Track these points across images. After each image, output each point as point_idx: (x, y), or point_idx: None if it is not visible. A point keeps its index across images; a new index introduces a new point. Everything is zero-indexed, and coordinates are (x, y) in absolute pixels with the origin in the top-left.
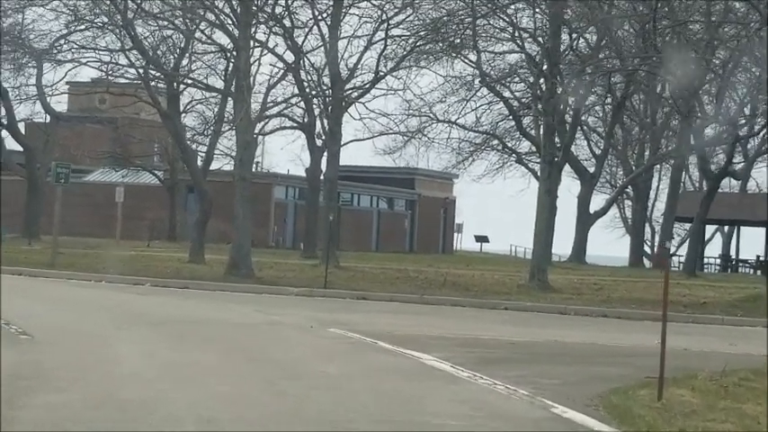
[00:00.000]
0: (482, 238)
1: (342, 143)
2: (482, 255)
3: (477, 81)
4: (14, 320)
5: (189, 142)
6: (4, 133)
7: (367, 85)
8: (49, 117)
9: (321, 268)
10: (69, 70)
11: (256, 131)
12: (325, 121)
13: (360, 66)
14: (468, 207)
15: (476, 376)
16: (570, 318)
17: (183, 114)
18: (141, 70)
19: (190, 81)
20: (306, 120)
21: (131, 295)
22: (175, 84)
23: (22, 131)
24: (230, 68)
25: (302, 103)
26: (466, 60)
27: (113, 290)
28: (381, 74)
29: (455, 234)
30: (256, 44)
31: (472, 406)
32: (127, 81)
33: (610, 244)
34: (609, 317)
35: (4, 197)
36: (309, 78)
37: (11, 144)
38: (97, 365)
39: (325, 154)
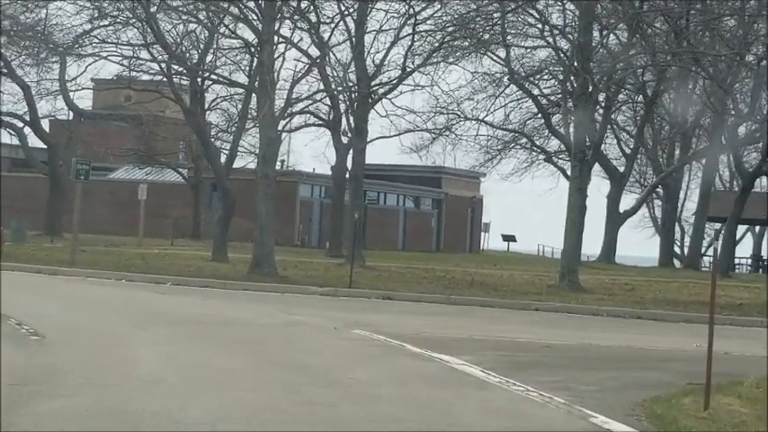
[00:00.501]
0: (509, 238)
1: (368, 140)
2: (509, 254)
3: (505, 78)
4: (27, 320)
5: (213, 139)
6: (27, 130)
7: (394, 81)
8: (71, 114)
9: (346, 267)
10: (90, 64)
11: (280, 128)
12: (351, 118)
13: (386, 62)
14: (496, 206)
15: (508, 382)
16: (603, 319)
17: (208, 111)
18: (164, 65)
19: (213, 76)
20: (331, 117)
21: (151, 294)
22: (199, 80)
23: (46, 128)
24: (254, 64)
25: (327, 99)
26: (494, 58)
27: (133, 288)
28: (408, 70)
29: (482, 233)
30: (281, 39)
31: (506, 415)
32: (149, 77)
33: (639, 244)
34: (643, 318)
35: (26, 195)
36: (335, 74)
37: (34, 141)
38: (109, 368)
39: (351, 151)
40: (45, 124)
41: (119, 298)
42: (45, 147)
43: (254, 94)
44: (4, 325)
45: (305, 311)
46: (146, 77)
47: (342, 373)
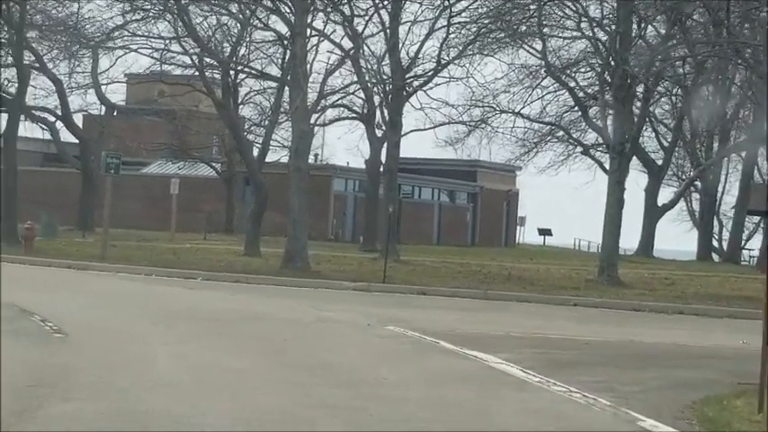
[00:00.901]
0: (545, 232)
1: (402, 133)
2: (545, 248)
3: (542, 70)
4: (52, 317)
5: (246, 133)
6: (59, 125)
7: (429, 74)
8: (103, 108)
9: (380, 262)
10: (119, 57)
11: (313, 122)
12: (386, 111)
13: (421, 55)
14: (531, 200)
15: (548, 382)
16: (644, 315)
17: (241, 105)
18: (195, 58)
19: (245, 69)
20: (365, 110)
21: (180, 289)
22: (231, 73)
23: (79, 123)
24: (287, 56)
25: (361, 93)
26: (531, 50)
27: (163, 284)
28: (444, 62)
29: (518, 227)
30: (314, 33)
31: (548, 418)
32: (181, 70)
33: (677, 237)
34: (685, 314)
35: (59, 189)
36: (369, 67)
37: (66, 136)
38: (128, 368)
39: (386, 145)
40: (78, 119)
41: (147, 294)
42: (77, 141)
43: (286, 87)
44: (29, 323)
45: (337, 307)
46: (177, 71)
47: (372, 372)
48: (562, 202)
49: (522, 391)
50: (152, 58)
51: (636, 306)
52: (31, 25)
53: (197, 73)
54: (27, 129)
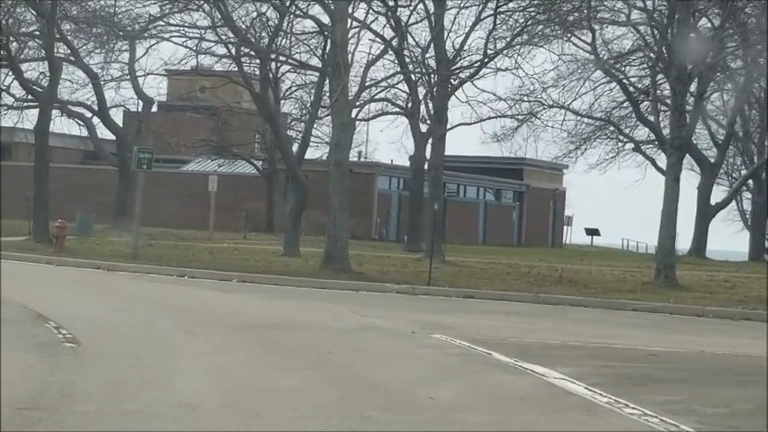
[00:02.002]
0: (593, 231)
1: (448, 127)
2: (593, 249)
3: (591, 64)
4: (68, 323)
5: (287, 130)
6: (96, 120)
7: (476, 65)
8: (141, 103)
9: (425, 263)
10: (152, 46)
11: (357, 116)
12: (430, 104)
13: (467, 47)
14: (578, 198)
15: (618, 402)
16: (709, 321)
17: (283, 101)
18: (232, 48)
19: (283, 59)
20: (409, 104)
21: (213, 293)
22: (270, 64)
23: (117, 120)
24: (327, 46)
25: (405, 86)
26: (579, 43)
27: (194, 286)
28: (491, 53)
29: (565, 227)
30: (355, 23)
31: None
32: (216, 59)
33: (726, 238)
34: (753, 320)
35: (97, 187)
36: (413, 58)
37: (104, 133)
38: (142, 386)
39: (430, 140)
40: (118, 117)
41: (175, 297)
42: (114, 138)
43: (327, 80)
44: (41, 330)
45: (379, 312)
46: (214, 62)
47: (419, 391)
48: (609, 201)
49: (590, 414)
50: (186, 47)
51: (698, 311)
52: (65, 17)
53: (234, 65)
54: (64, 125)
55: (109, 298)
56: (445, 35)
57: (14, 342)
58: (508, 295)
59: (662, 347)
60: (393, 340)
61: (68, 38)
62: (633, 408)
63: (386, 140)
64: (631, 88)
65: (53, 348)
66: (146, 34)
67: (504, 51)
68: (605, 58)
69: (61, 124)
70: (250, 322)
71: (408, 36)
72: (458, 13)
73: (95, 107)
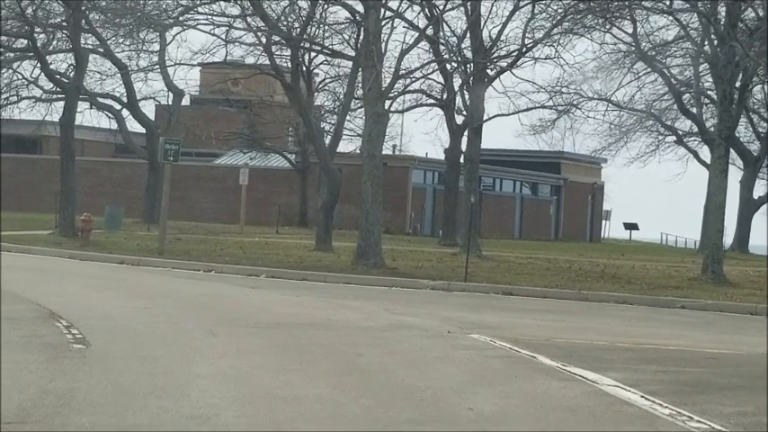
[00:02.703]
0: (631, 226)
1: (484, 119)
2: (632, 243)
3: (630, 56)
4: (80, 322)
5: (321, 123)
6: (125, 113)
7: (513, 54)
8: (171, 96)
9: (461, 258)
10: (179, 33)
11: (392, 110)
12: (467, 95)
13: (504, 38)
14: (615, 192)
15: (681, 414)
16: (762, 320)
17: (316, 93)
18: (262, 37)
19: (315, 47)
20: (444, 95)
21: (239, 289)
22: (301, 54)
23: (149, 114)
24: (361, 36)
25: (440, 77)
26: (619, 34)
27: (221, 281)
28: (529, 43)
29: (603, 221)
30: (388, 14)
31: None
32: (246, 50)
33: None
34: None
35: (129, 180)
36: (449, 47)
37: (135, 126)
38: (151, 394)
39: (466, 131)
40: (150, 110)
41: (200, 293)
42: (144, 131)
43: (360, 70)
44: (51, 329)
45: (413, 310)
46: (246, 54)
47: (458, 400)
48: (648, 195)
49: (651, 428)
50: (214, 35)
51: (751, 309)
52: (94, 8)
53: (265, 56)
54: (93, 117)
55: (129, 295)
56: (482, 22)
57: (17, 343)
58: (549, 292)
59: (718, 349)
60: (428, 341)
61: (97, 29)
62: (699, 421)
63: (421, 133)
64: (673, 80)
65: (58, 351)
66: (172, 21)
67: (544, 41)
68: (647, 48)
69: (90, 116)
70: (276, 321)
71: (444, 25)
72: (494, 1)
73: (124, 99)
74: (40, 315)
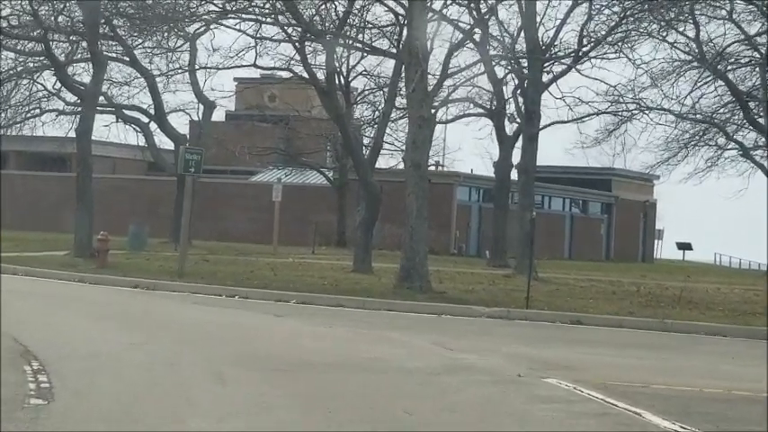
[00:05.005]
0: (685, 246)
1: (540, 126)
2: (686, 264)
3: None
4: (56, 364)
5: (358, 133)
6: (153, 126)
7: (571, 53)
8: (202, 108)
9: (515, 280)
10: (201, 33)
11: (437, 120)
12: (520, 100)
13: (559, 41)
14: (666, 210)
15: None
16: None
17: (354, 106)
18: (293, 31)
19: (352, 43)
20: (493, 104)
21: (265, 317)
22: (337, 57)
23: (182, 130)
24: (403, 34)
25: (488, 86)
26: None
27: (245, 309)
28: (589, 43)
29: (656, 241)
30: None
31: None
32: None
33: None
34: None
35: (157, 199)
36: (502, 45)
37: (163, 141)
38: None
39: (520, 139)
40: (181, 125)
41: (216, 324)
42: (172, 145)
43: (402, 72)
44: (15, 375)
45: (470, 344)
46: (275, 61)
47: None
48: (701, 213)
49: None
50: (241, 31)
51: None
52: (119, 14)
53: (298, 62)
54: (120, 131)
55: (130, 326)
56: (538, 21)
57: None
58: (625, 321)
59: None
60: (495, 389)
61: (122, 36)
62: None
63: (466, 148)
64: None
65: (9, 408)
66: (197, 18)
67: (607, 40)
68: (710, 53)
69: (117, 130)
70: (302, 360)
71: (494, 24)
72: (549, 2)
73: (151, 111)
74: (12, 354)
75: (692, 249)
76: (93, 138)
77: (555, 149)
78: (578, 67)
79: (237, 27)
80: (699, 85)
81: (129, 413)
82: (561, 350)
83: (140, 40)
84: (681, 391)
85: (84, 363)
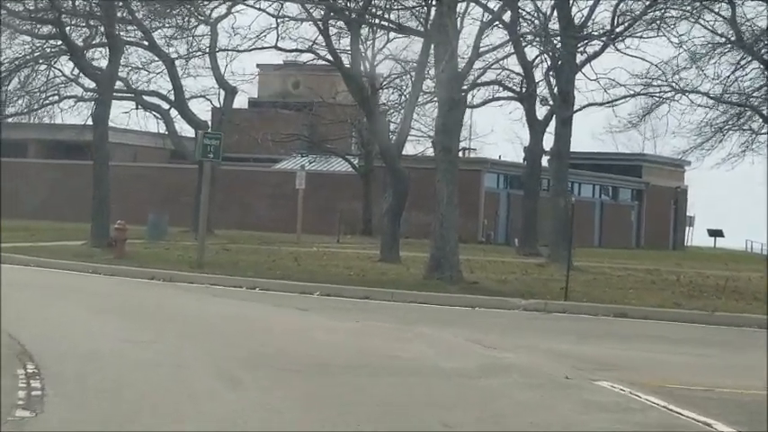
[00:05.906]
0: (716, 233)
1: (574, 109)
2: (718, 251)
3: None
4: (53, 366)
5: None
6: (174, 113)
7: (611, 32)
8: (223, 93)
9: (549, 269)
10: (222, 16)
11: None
12: (553, 81)
13: (592, 21)
14: (697, 197)
15: None
16: None
17: (380, 90)
18: (314, 9)
19: (376, 20)
20: (524, 87)
21: (286, 311)
22: (361, 35)
23: (205, 117)
24: (431, 14)
25: (518, 69)
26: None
27: (265, 302)
28: (625, 22)
29: (687, 228)
30: None
31: None
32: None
33: None
34: None
35: (180, 187)
36: (533, 27)
37: (185, 128)
38: None
39: (553, 122)
40: (202, 111)
41: (233, 318)
42: (192, 132)
43: (431, 51)
44: (6, 379)
45: (508, 341)
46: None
47: None
48: (731, 199)
49: None
50: (262, 10)
51: None
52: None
53: (322, 46)
54: (140, 118)
55: (141, 321)
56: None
57: None
58: (671, 313)
59: None
60: (541, 394)
61: (142, 21)
62: None
63: (494, 133)
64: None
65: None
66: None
67: (644, 18)
68: (745, 36)
69: (138, 118)
70: (324, 359)
71: (525, 2)
72: None
73: (171, 97)
74: (7, 354)
75: (723, 236)
76: (114, 126)
77: (583, 135)
78: (615, 45)
79: (258, 6)
80: (737, 66)
81: (128, 424)
82: (607, 346)
83: (159, 23)
84: (750, 396)
85: (81, 364)
